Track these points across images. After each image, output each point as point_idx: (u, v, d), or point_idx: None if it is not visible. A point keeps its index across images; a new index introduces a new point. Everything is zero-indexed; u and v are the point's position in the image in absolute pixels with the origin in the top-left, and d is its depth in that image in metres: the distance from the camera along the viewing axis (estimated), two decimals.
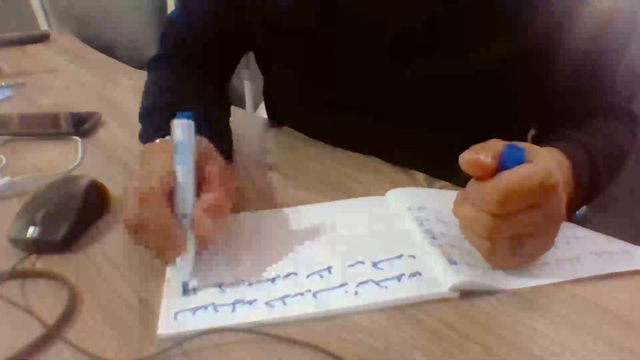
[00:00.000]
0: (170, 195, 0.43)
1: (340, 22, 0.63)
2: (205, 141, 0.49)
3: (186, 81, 0.70)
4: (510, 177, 0.38)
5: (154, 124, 0.59)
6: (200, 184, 0.44)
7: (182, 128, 0.43)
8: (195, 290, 0.42)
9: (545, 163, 0.39)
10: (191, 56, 0.72)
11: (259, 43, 0.73)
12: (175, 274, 0.43)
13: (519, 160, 0.39)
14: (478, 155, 0.39)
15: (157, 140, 0.51)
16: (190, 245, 0.42)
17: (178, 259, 0.42)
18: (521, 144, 0.40)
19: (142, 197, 0.41)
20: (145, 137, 0.59)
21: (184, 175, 0.43)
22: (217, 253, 0.47)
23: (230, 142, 0.65)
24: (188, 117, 0.44)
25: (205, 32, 0.72)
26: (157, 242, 0.42)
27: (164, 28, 0.77)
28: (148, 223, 0.41)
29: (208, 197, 0.43)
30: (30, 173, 0.62)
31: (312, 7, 0.63)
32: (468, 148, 0.41)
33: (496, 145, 0.40)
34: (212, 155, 0.47)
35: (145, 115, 0.63)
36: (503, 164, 0.39)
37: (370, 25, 0.62)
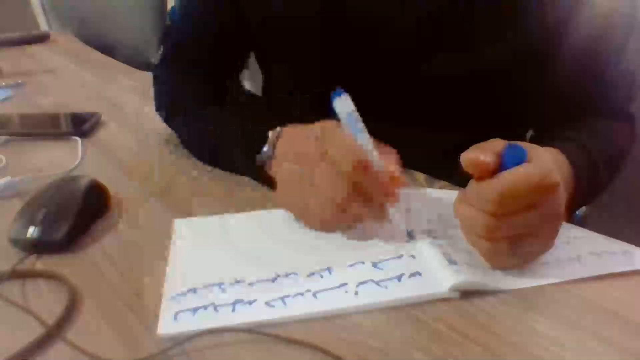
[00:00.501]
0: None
1: (340, 21, 0.63)
2: None
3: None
4: (510, 177, 0.38)
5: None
6: None
7: (346, 100, 0.46)
8: (414, 235, 0.47)
9: (545, 163, 0.39)
10: (194, 58, 0.72)
11: (259, 42, 0.73)
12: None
13: (520, 160, 0.39)
14: (479, 155, 0.39)
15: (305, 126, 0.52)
16: (399, 198, 0.46)
17: (393, 213, 0.46)
18: (522, 144, 0.40)
19: (356, 165, 0.44)
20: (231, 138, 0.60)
21: (366, 140, 0.46)
22: (218, 252, 0.47)
23: None
24: (341, 92, 0.46)
25: (206, 33, 0.72)
26: (375, 203, 0.46)
27: (164, 30, 0.77)
28: (367, 186, 0.45)
29: (387, 153, 0.47)
30: (30, 173, 0.62)
31: (312, 6, 0.63)
32: (468, 148, 0.41)
33: (497, 145, 0.40)
34: None
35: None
36: (504, 164, 0.39)
37: (371, 25, 0.62)
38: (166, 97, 0.72)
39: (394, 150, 0.48)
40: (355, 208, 0.46)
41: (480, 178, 0.39)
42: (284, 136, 0.53)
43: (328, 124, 0.49)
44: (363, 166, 0.44)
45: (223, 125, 0.62)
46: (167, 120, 0.71)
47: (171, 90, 0.71)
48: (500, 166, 0.39)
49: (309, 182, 0.47)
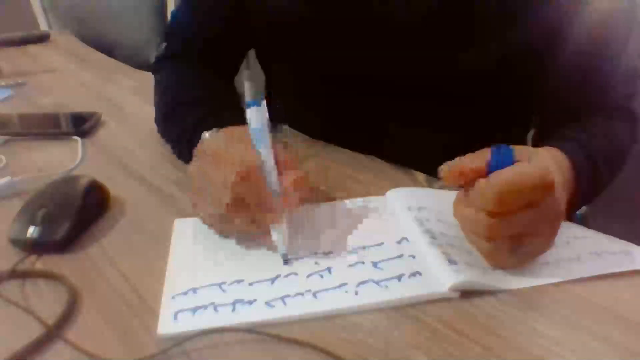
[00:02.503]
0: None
1: (339, 19, 0.63)
2: None
3: (207, 78, 0.70)
4: (505, 174, 0.38)
5: (200, 120, 0.59)
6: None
7: (258, 112, 0.46)
8: (290, 260, 0.45)
9: (541, 162, 0.39)
10: (199, 54, 0.72)
11: (260, 38, 0.73)
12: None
13: (508, 159, 0.39)
14: (461, 162, 0.40)
15: (220, 130, 0.52)
16: (283, 220, 0.45)
17: (275, 234, 0.45)
18: (511, 146, 0.40)
19: (243, 177, 0.43)
20: (187, 134, 0.60)
21: (268, 156, 0.45)
22: (218, 252, 0.47)
23: None
24: (258, 103, 0.46)
25: (211, 29, 0.72)
26: (257, 217, 0.44)
27: (168, 27, 0.77)
28: (250, 199, 0.44)
29: (290, 173, 0.46)
30: (30, 173, 0.62)
31: (312, 3, 0.63)
32: (468, 148, 0.41)
33: (483, 152, 0.40)
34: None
35: (178, 114, 0.64)
36: (493, 166, 0.39)
37: (372, 23, 0.61)
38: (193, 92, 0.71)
39: (303, 173, 0.47)
40: (235, 218, 0.45)
41: (468, 184, 0.40)
42: (214, 136, 0.53)
43: (238, 129, 0.49)
44: (248, 179, 0.43)
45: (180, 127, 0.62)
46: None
47: (170, 85, 0.71)
48: (490, 167, 0.39)
49: (205, 184, 0.46)
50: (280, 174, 0.46)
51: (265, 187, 0.44)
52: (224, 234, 0.48)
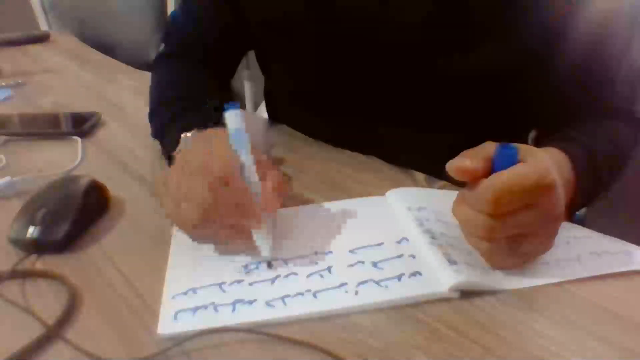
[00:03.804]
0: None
1: (332, 21, 0.63)
2: None
3: (193, 77, 0.71)
4: (503, 176, 0.38)
5: (171, 118, 0.60)
6: None
7: (236, 116, 0.45)
8: (272, 264, 0.45)
9: (541, 163, 0.39)
10: (195, 54, 0.73)
11: (258, 42, 0.74)
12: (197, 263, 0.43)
13: (512, 158, 0.39)
14: (465, 162, 0.39)
15: (206, 130, 0.52)
16: (266, 223, 0.44)
17: (258, 238, 0.44)
18: (515, 145, 0.40)
19: (222, 181, 0.43)
20: (162, 131, 0.61)
21: (247, 159, 0.45)
22: (218, 252, 0.47)
23: None
24: (236, 106, 0.46)
25: (208, 30, 0.72)
26: (238, 221, 0.43)
27: (167, 27, 0.78)
28: (230, 205, 0.43)
29: (271, 175, 0.46)
30: (30, 173, 0.62)
31: (304, 6, 0.63)
32: (469, 148, 0.41)
33: (488, 148, 0.40)
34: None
35: (159, 111, 0.65)
36: (497, 165, 0.39)
37: (368, 24, 0.61)
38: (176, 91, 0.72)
39: (283, 176, 0.47)
40: (217, 221, 0.43)
41: (474, 181, 0.40)
42: (189, 141, 0.52)
43: (217, 132, 0.49)
44: (225, 182, 0.42)
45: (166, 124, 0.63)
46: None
47: (180, 85, 0.72)
48: (494, 167, 0.39)
49: (184, 186, 0.45)
50: (260, 176, 0.46)
51: (244, 191, 0.44)
52: (202, 242, 0.47)
